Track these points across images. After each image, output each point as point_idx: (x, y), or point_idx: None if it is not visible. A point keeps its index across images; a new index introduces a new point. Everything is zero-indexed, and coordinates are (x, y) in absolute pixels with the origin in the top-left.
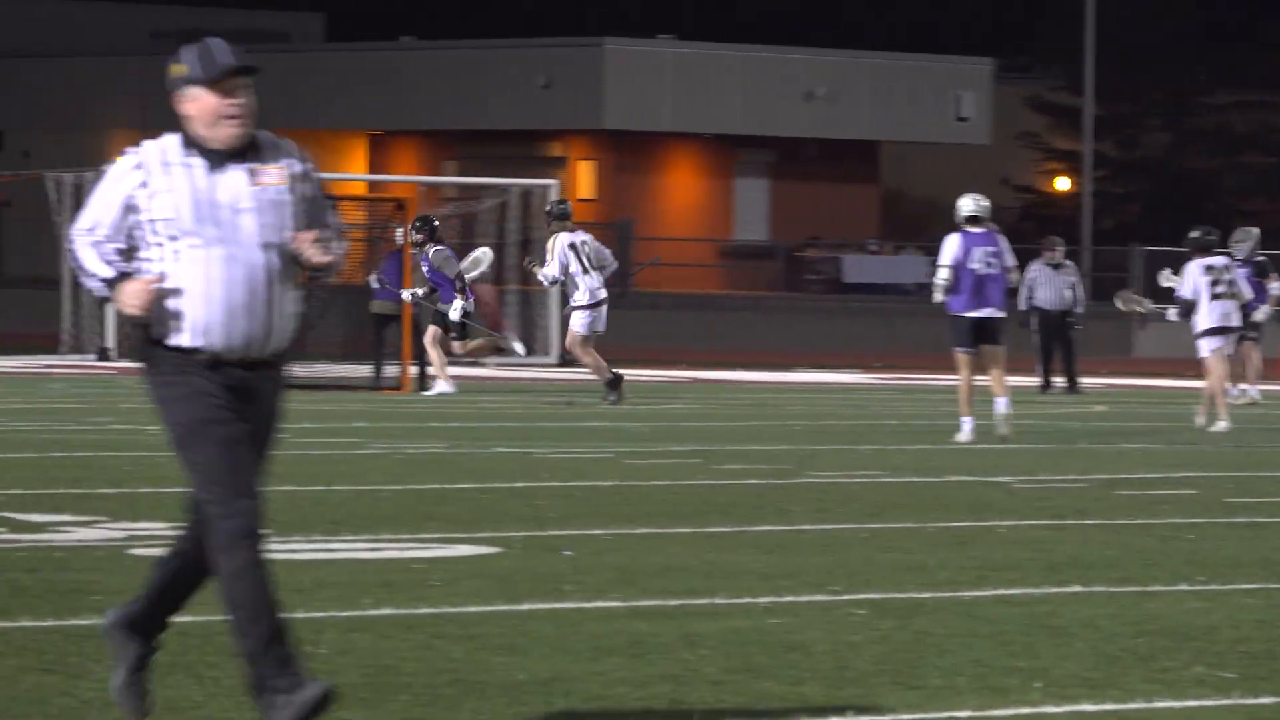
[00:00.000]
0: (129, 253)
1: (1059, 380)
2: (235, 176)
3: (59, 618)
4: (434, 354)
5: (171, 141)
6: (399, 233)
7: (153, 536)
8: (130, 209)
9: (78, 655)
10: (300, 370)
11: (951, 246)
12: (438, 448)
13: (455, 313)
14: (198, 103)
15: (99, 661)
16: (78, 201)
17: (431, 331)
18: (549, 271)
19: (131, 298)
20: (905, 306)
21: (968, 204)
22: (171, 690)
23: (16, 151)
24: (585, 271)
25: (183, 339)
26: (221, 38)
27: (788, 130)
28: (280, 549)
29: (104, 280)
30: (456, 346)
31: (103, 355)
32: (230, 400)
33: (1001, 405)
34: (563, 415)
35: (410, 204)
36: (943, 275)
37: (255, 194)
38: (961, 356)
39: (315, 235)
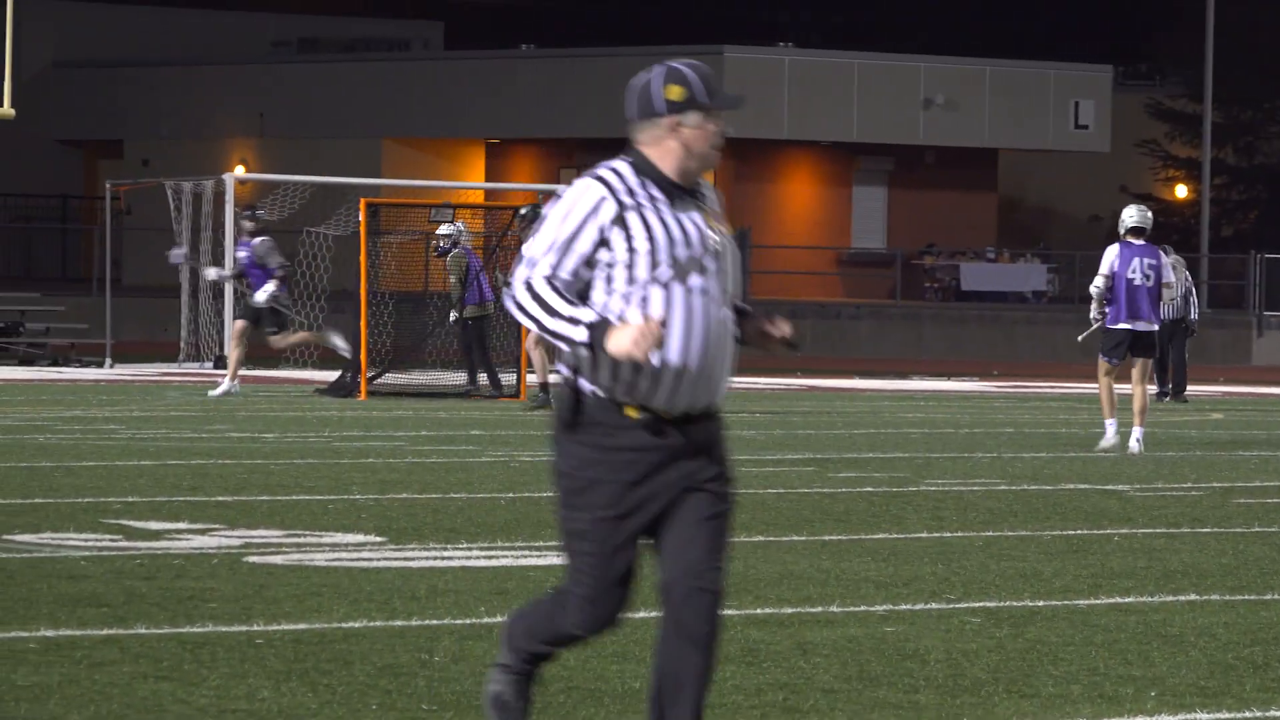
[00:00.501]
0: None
1: (1168, 388)
2: (694, 216)
3: (175, 625)
4: (234, 351)
5: (625, 170)
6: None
7: (269, 544)
8: (600, 245)
9: (194, 663)
10: (417, 378)
11: (1110, 256)
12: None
13: (262, 294)
14: (695, 131)
15: (214, 669)
16: (196, 209)
17: (238, 326)
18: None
19: (641, 341)
20: (1023, 314)
21: (1132, 215)
22: (286, 698)
23: (136, 160)
24: None
25: (649, 396)
26: (342, 45)
27: (906, 138)
28: (395, 557)
29: (587, 324)
30: (275, 340)
31: (220, 363)
32: (667, 471)
33: (1138, 435)
34: None
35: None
36: (1097, 284)
37: (719, 237)
38: (1104, 364)
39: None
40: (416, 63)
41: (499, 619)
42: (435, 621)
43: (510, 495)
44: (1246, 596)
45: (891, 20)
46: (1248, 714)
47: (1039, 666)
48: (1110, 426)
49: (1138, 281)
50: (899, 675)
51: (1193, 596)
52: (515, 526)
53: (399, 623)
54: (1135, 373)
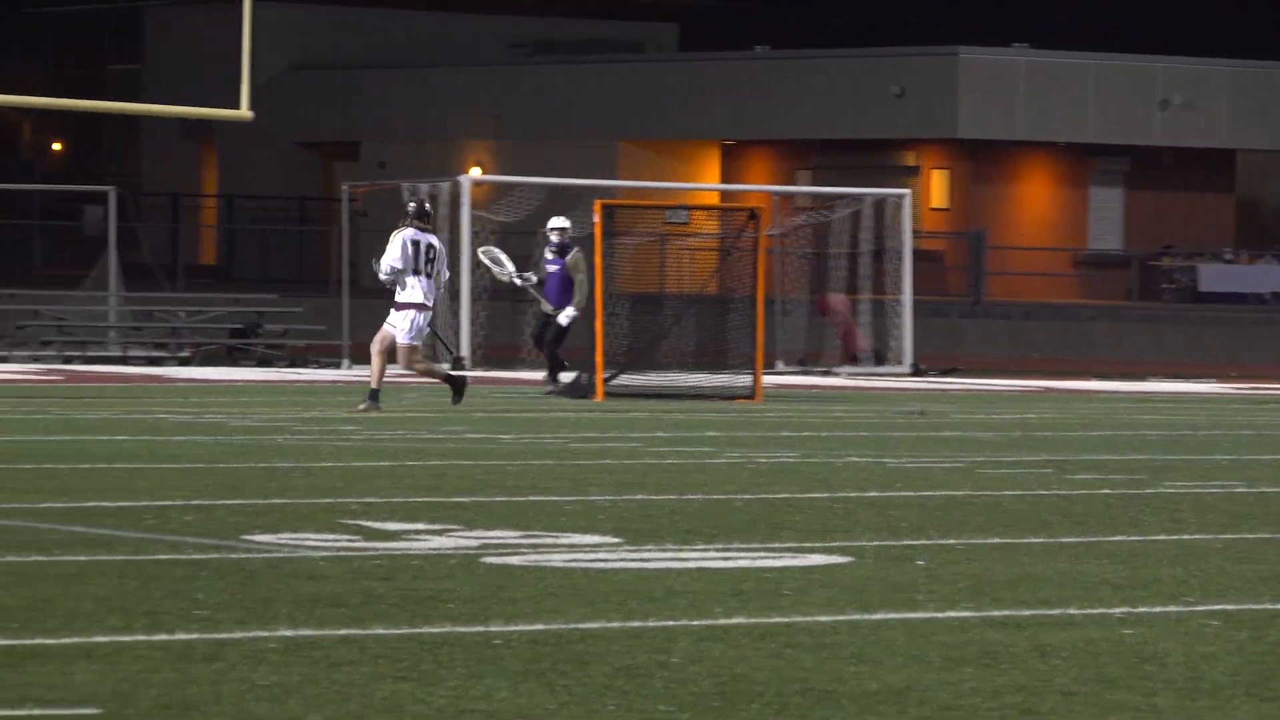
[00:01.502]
0: None
1: None
2: None
3: (413, 626)
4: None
5: None
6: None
7: (506, 545)
8: None
9: (432, 663)
10: (653, 379)
11: None
12: (789, 457)
13: (565, 318)
14: None
15: (452, 669)
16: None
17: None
18: (386, 261)
19: None
20: (1262, 316)
21: None
22: (523, 699)
23: (372, 162)
24: (416, 272)
25: None
26: (578, 47)
27: (1142, 138)
28: (632, 558)
29: None
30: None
31: (457, 364)
32: None
33: None
34: (915, 425)
35: (763, 213)
36: None
37: None
38: None
39: None
40: (651, 64)
41: (736, 620)
42: (672, 623)
43: (747, 496)
44: None
45: (1127, 20)
46: None
47: (1279, 670)
48: None
49: None
50: (1137, 678)
51: None
52: (752, 528)
53: (636, 624)
54: None
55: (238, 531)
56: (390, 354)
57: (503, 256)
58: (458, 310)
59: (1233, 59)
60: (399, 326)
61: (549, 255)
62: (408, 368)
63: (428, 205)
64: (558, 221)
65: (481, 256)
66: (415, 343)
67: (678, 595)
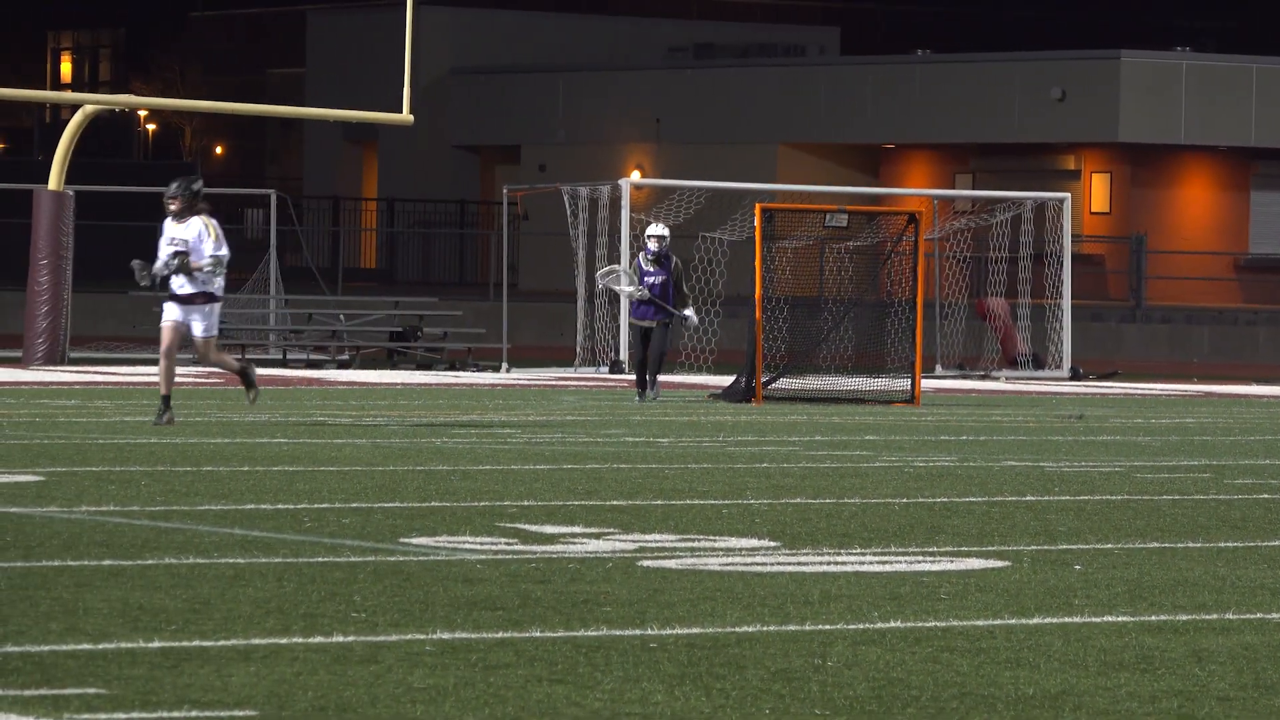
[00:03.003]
0: None
1: None
2: None
3: (569, 629)
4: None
5: None
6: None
7: (663, 549)
8: None
9: (588, 666)
10: (812, 383)
11: None
12: (947, 461)
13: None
14: None
15: (608, 672)
16: (593, 214)
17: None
18: (213, 251)
19: None
20: None
21: None
22: (679, 702)
23: (532, 165)
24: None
25: None
26: (738, 51)
27: None
28: (789, 561)
29: None
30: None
31: (615, 368)
32: None
33: None
34: (1073, 429)
35: (923, 217)
36: None
37: None
38: None
39: None
40: (812, 68)
41: (892, 624)
42: (828, 626)
43: (904, 500)
44: None
45: None
46: None
47: None
48: None
49: None
50: None
51: None
52: (909, 531)
53: (792, 627)
54: None
55: (395, 534)
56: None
57: (621, 275)
58: (616, 314)
59: None
60: (200, 320)
61: (647, 266)
62: (205, 360)
63: (195, 186)
64: (658, 229)
65: (601, 282)
66: (213, 334)
67: (834, 599)
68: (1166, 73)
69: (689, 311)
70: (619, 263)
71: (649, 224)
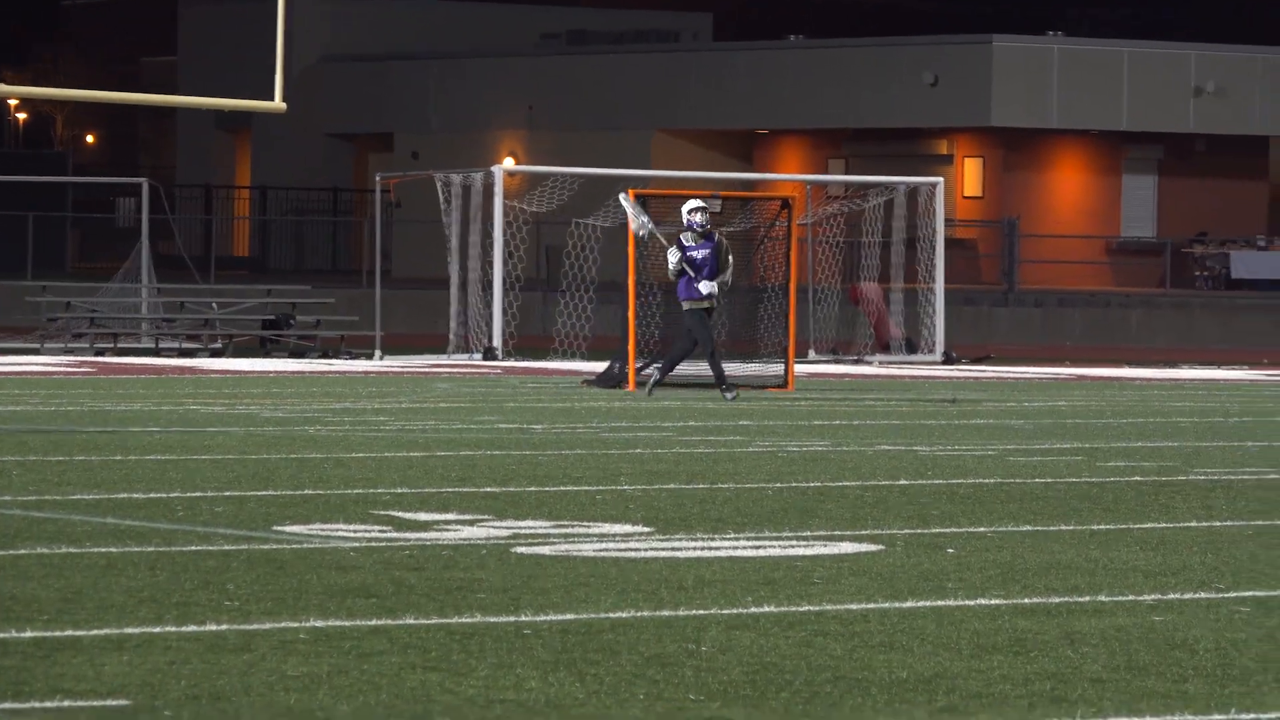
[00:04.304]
0: None
1: None
2: None
3: (443, 616)
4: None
5: None
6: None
7: (537, 535)
8: None
9: (462, 653)
10: (685, 368)
11: None
12: (820, 446)
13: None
14: None
15: (482, 659)
16: (466, 202)
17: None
18: None
19: None
20: None
21: None
22: (553, 688)
23: (405, 153)
24: None
25: None
26: (611, 37)
27: (1176, 126)
28: (663, 547)
29: None
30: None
31: (488, 355)
32: None
33: None
34: (946, 412)
35: (796, 202)
36: None
37: None
38: None
39: None
40: (685, 54)
41: (766, 609)
42: (702, 611)
43: (777, 485)
44: None
45: (1160, 8)
46: None
47: None
48: None
49: None
50: (1167, 665)
51: None
52: (783, 516)
53: (666, 613)
54: None
55: (268, 522)
56: None
57: (635, 213)
58: (489, 300)
59: (1266, 46)
60: None
61: (690, 241)
62: None
63: None
64: (699, 202)
65: (624, 201)
66: None
67: (708, 584)
68: (1038, 57)
69: (718, 281)
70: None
71: (689, 200)
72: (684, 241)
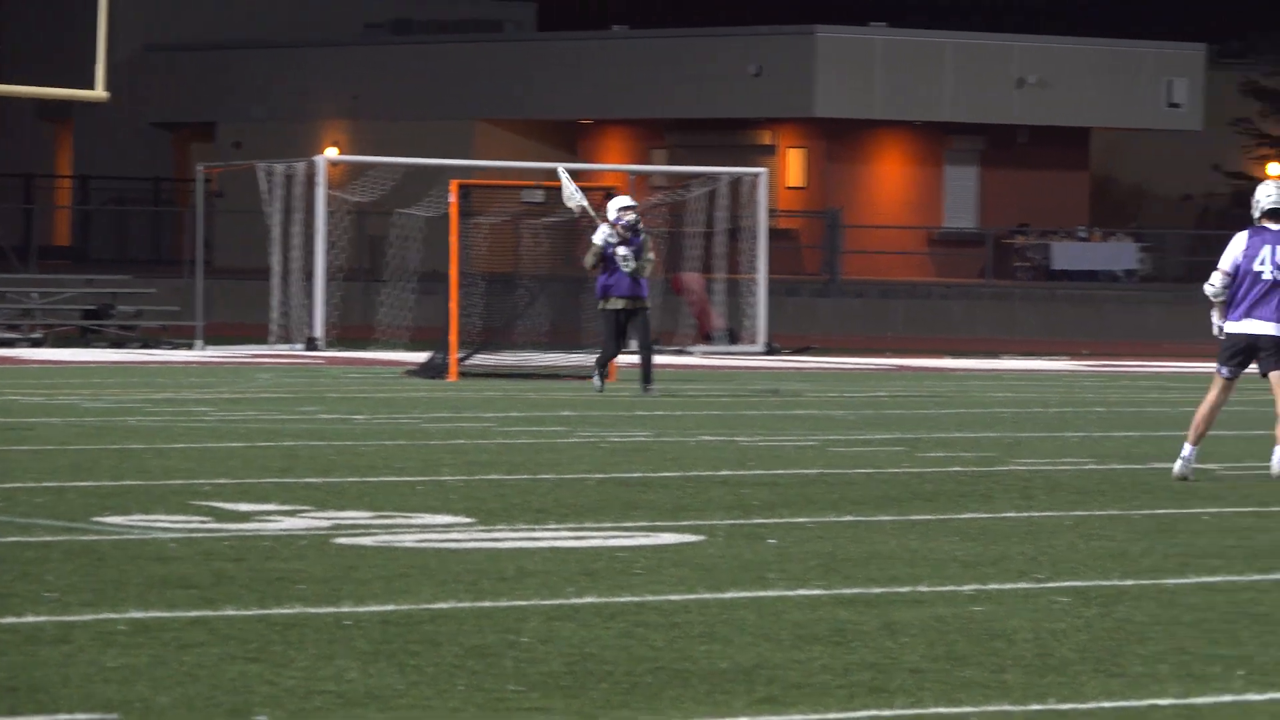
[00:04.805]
0: None
1: None
2: None
3: (264, 607)
4: None
5: None
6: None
7: (357, 526)
8: None
9: (282, 644)
10: (507, 359)
11: (1236, 247)
12: (642, 436)
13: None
14: None
15: (302, 650)
16: (288, 191)
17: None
18: None
19: None
20: (1114, 294)
21: (1270, 192)
22: (373, 679)
23: (228, 142)
24: None
25: None
26: (435, 27)
27: (998, 117)
28: (484, 538)
29: None
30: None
31: (310, 345)
32: None
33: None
34: (768, 403)
35: (619, 193)
36: (1214, 282)
37: None
38: (1217, 378)
39: None
40: (509, 44)
41: (587, 600)
42: (523, 602)
43: (599, 476)
44: None
45: None
46: None
47: (1126, 646)
48: (1185, 452)
49: (1269, 275)
50: (986, 655)
51: None
52: (604, 507)
53: (487, 604)
54: (1276, 388)
55: (88, 513)
56: None
57: (574, 194)
58: (312, 291)
59: (1087, 37)
60: None
61: (617, 241)
62: None
63: None
64: (626, 200)
65: (561, 172)
66: None
67: (529, 575)
68: (861, 48)
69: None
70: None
71: (617, 198)
72: (611, 241)
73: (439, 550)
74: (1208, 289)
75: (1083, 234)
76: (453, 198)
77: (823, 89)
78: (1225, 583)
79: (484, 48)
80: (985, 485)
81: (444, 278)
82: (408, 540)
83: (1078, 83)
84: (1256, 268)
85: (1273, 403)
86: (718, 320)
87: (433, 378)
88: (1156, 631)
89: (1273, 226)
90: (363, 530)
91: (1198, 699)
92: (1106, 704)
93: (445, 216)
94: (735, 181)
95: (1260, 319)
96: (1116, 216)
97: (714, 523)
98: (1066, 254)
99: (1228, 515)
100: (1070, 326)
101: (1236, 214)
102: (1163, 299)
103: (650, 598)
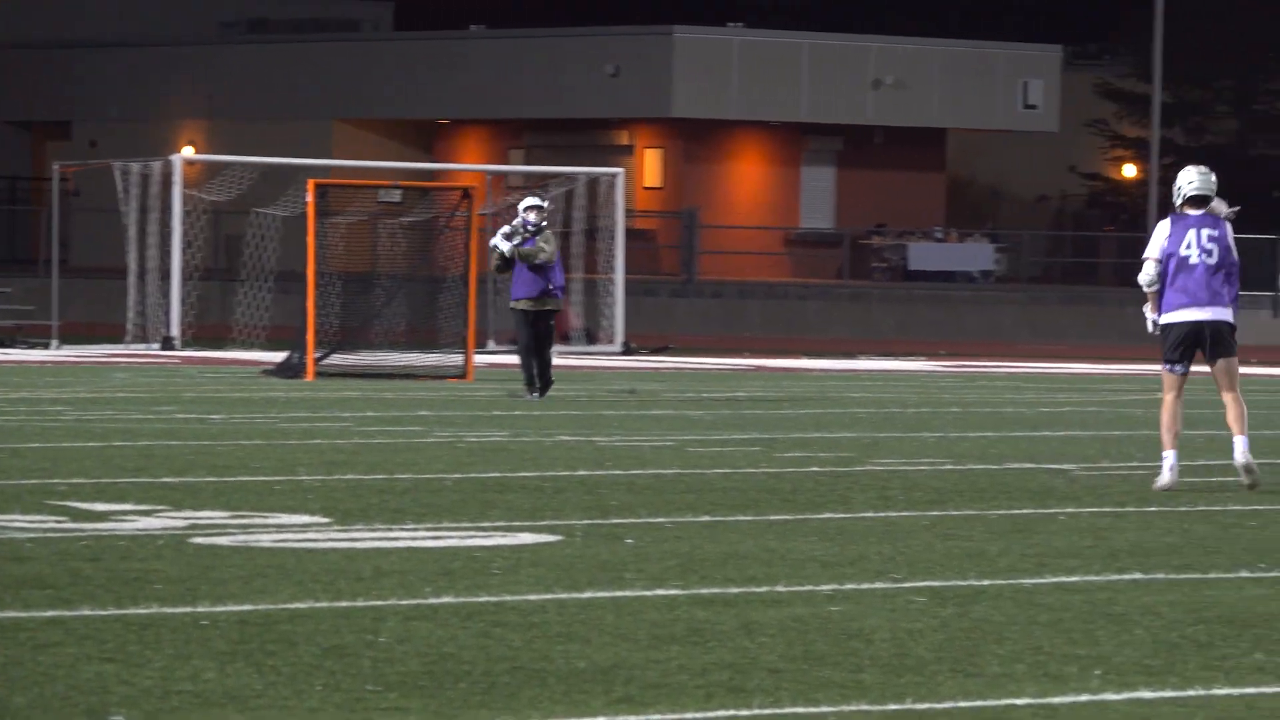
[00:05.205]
0: None
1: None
2: None
3: (120, 607)
4: None
5: None
6: None
7: (214, 526)
8: None
9: (138, 644)
10: (364, 359)
11: (1161, 234)
12: (499, 436)
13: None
14: None
15: (159, 650)
16: (144, 191)
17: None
18: None
19: None
20: (970, 294)
21: (1193, 179)
22: (231, 679)
23: (84, 141)
24: None
25: None
26: (292, 27)
27: (855, 118)
28: (342, 537)
29: None
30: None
31: (167, 344)
32: None
33: (1241, 446)
34: (626, 403)
35: (477, 193)
36: (1149, 271)
37: None
38: (1168, 376)
39: None
40: (366, 44)
41: (444, 600)
42: (381, 602)
43: (456, 476)
44: (1191, 575)
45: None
46: (1191, 692)
47: (984, 645)
48: (1168, 460)
49: (1197, 260)
50: (844, 655)
51: (1137, 575)
52: (461, 507)
53: (344, 603)
54: (1219, 378)
55: None
56: None
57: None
58: (168, 290)
59: (943, 39)
60: None
61: (518, 241)
62: None
63: None
64: (536, 199)
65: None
66: None
67: (386, 575)
68: (719, 49)
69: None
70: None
71: (524, 197)
72: (515, 240)
73: (296, 550)
74: (1142, 279)
75: (939, 235)
76: (310, 197)
77: (680, 89)
78: (1082, 583)
79: (341, 47)
80: (843, 485)
81: (301, 277)
82: (265, 540)
83: (934, 84)
84: (1184, 252)
85: (1210, 394)
86: (575, 320)
87: (290, 377)
88: (1013, 631)
89: (1194, 212)
90: (220, 530)
91: (1055, 698)
92: (964, 704)
93: (302, 216)
94: (593, 182)
95: (1200, 305)
96: (973, 217)
97: (572, 523)
98: (923, 254)
99: (1084, 515)
100: (927, 327)
101: (1092, 215)
102: (1018, 299)
103: (508, 598)
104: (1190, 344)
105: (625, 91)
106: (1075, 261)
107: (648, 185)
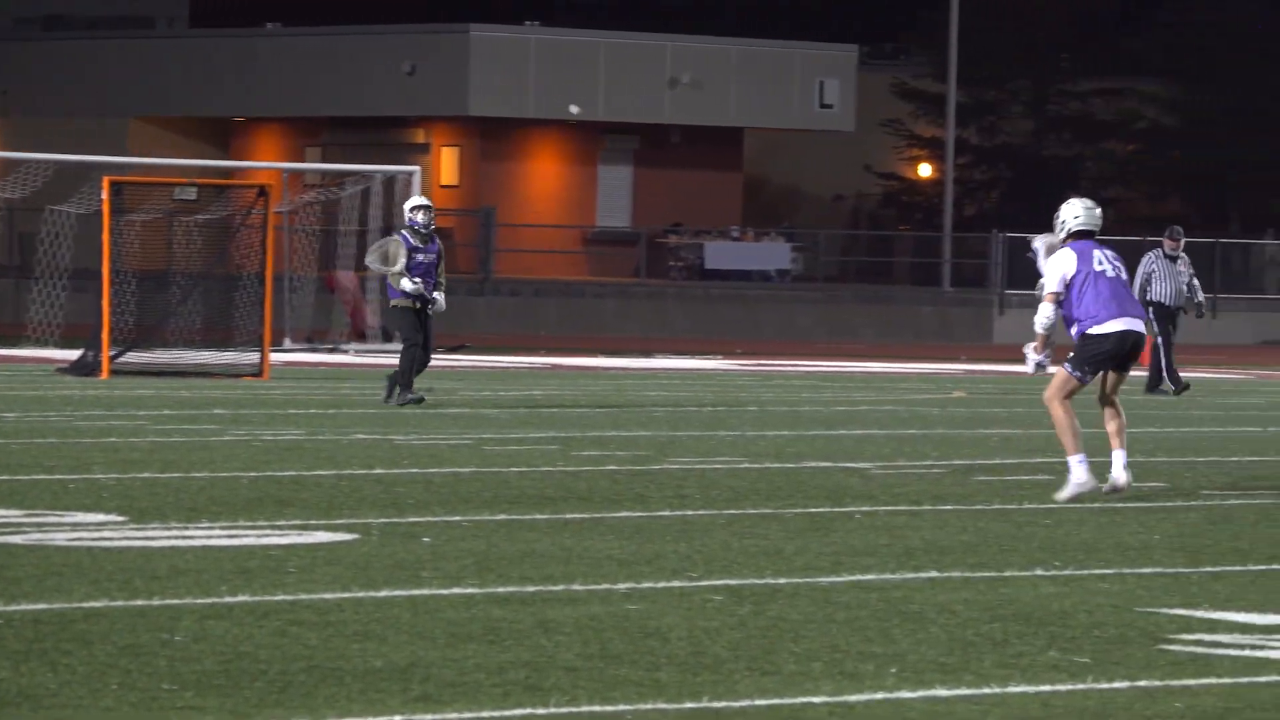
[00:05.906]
0: None
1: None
2: None
3: None
4: None
5: None
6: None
7: (8, 524)
8: None
9: None
10: (159, 357)
11: (1064, 264)
12: (296, 434)
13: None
14: None
15: None
16: None
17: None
18: None
19: None
20: (766, 293)
21: (1077, 215)
22: (25, 678)
23: None
24: None
25: None
26: (87, 23)
27: (651, 117)
28: (137, 536)
29: None
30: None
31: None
32: None
33: (1121, 461)
34: (423, 401)
35: (272, 191)
36: (1048, 313)
37: None
38: (1069, 382)
39: None
40: (162, 41)
41: (240, 598)
42: (176, 601)
43: (253, 474)
44: (986, 574)
45: None
46: (987, 690)
47: (780, 644)
48: (1079, 464)
49: (1112, 274)
50: (641, 653)
51: (933, 574)
52: (257, 505)
53: (140, 602)
54: (1115, 387)
55: None
56: None
57: (378, 251)
58: None
59: (740, 38)
60: None
61: (415, 242)
62: None
63: None
64: (424, 199)
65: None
66: None
67: (182, 573)
68: (516, 47)
69: (440, 295)
70: None
71: (411, 198)
72: (408, 240)
73: (91, 549)
74: (1040, 320)
75: (736, 234)
76: (105, 195)
77: (476, 87)
78: (878, 581)
79: (136, 44)
80: (639, 484)
81: (96, 275)
82: (60, 539)
83: (730, 83)
84: (1099, 268)
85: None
86: (371, 319)
87: (85, 375)
88: (810, 629)
89: (1084, 242)
90: (14, 529)
91: (851, 696)
92: (760, 702)
93: (97, 213)
94: (389, 180)
95: (1130, 316)
96: (769, 216)
97: (368, 521)
98: (719, 254)
99: (880, 514)
100: (723, 326)
101: (887, 214)
102: (815, 299)
103: (304, 596)
104: (1119, 355)
105: (422, 90)
106: (871, 261)
107: (444, 184)
